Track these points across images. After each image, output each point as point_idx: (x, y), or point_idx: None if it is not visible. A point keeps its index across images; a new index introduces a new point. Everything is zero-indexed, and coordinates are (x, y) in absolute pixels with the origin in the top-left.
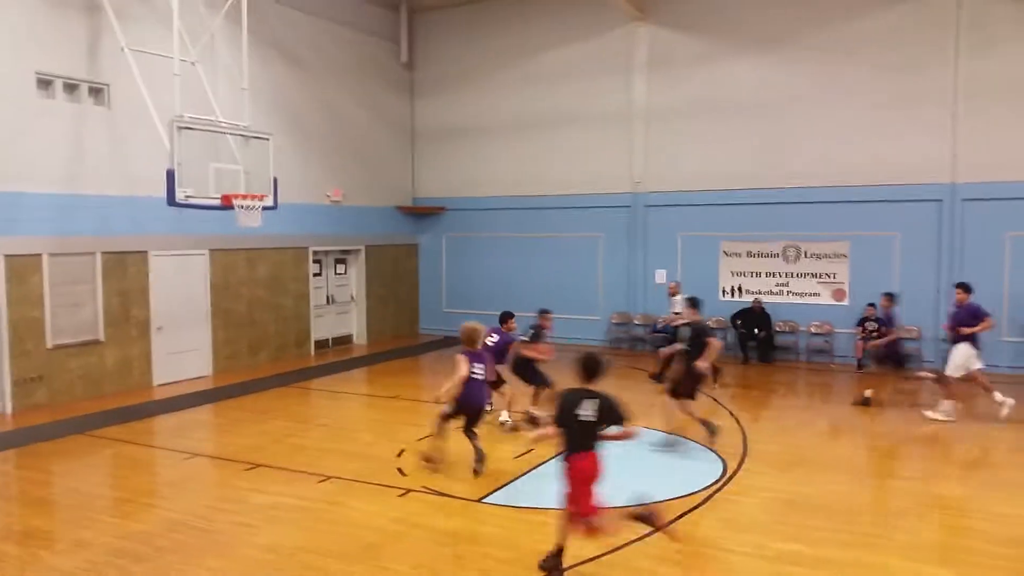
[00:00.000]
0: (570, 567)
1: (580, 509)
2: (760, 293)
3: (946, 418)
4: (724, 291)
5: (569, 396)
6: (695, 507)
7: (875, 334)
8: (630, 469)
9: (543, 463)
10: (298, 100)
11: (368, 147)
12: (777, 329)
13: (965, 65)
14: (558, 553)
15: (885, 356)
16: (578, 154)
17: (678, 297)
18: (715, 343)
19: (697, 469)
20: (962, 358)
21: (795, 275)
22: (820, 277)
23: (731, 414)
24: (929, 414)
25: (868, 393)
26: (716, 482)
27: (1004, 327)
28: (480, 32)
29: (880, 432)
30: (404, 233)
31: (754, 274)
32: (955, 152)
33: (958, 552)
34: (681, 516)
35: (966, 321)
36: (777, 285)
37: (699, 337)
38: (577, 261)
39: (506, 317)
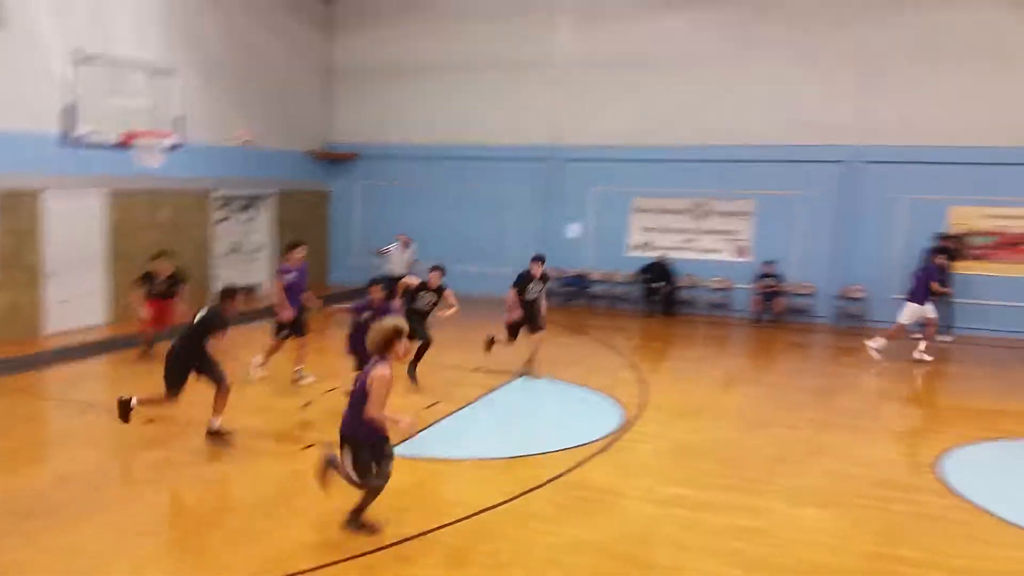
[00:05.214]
0: (469, 516)
1: None
2: (667, 249)
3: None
4: (630, 246)
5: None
6: (594, 455)
7: (772, 289)
8: (534, 420)
9: (447, 416)
10: (208, 33)
11: (282, 86)
12: (680, 284)
13: (874, 27)
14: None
15: None
16: (497, 102)
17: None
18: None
19: (599, 418)
20: None
21: (702, 232)
22: (725, 234)
23: (634, 366)
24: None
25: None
26: (616, 431)
27: (896, 288)
28: None
29: (773, 382)
30: (317, 179)
31: (664, 230)
32: (860, 115)
33: (834, 495)
34: (580, 464)
35: None
36: (685, 241)
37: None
38: (491, 212)
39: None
